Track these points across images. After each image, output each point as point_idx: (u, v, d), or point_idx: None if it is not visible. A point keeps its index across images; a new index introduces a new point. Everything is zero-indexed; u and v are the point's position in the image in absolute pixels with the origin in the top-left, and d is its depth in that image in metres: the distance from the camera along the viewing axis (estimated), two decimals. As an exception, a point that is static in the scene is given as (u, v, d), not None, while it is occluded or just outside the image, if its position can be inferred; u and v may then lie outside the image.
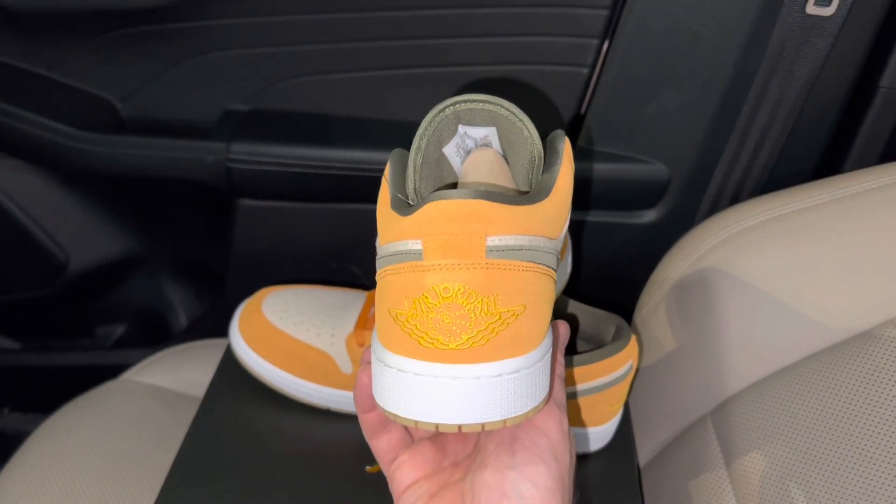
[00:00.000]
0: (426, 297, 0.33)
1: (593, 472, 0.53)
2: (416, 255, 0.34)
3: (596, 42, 0.70)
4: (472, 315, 0.33)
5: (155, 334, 1.02)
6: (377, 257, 0.36)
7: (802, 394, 0.52)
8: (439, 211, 0.33)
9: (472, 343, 0.33)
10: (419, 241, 0.34)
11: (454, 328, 0.33)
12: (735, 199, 0.72)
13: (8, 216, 0.89)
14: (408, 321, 0.34)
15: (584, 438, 0.55)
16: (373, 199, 0.78)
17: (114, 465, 0.63)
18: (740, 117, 0.67)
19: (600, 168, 0.74)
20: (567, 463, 0.38)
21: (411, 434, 0.43)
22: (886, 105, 0.65)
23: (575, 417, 0.54)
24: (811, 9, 0.60)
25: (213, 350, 0.76)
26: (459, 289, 0.33)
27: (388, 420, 0.41)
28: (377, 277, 0.36)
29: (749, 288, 0.59)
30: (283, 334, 0.55)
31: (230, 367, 0.57)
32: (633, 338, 0.52)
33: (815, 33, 0.62)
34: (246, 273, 0.85)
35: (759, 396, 0.55)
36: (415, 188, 0.36)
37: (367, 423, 0.41)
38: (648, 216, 0.76)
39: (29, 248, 0.92)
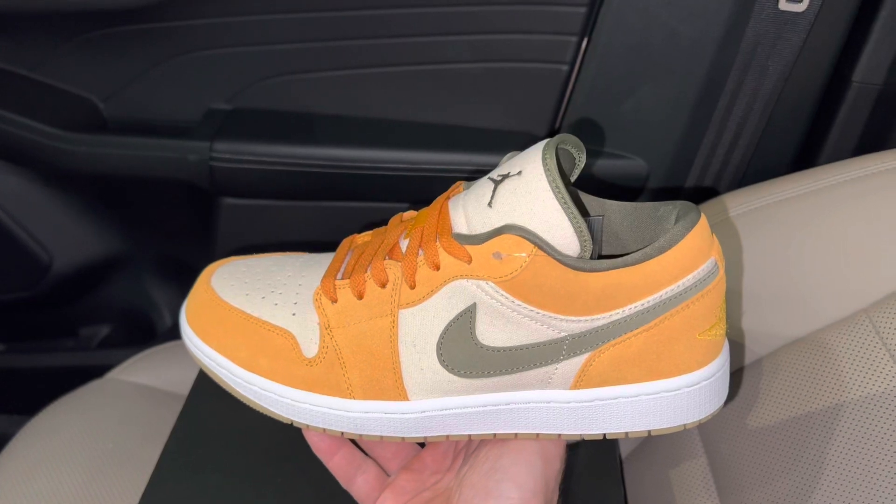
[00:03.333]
0: (723, 301, 0.37)
1: (576, 462, 0.54)
2: (715, 271, 0.36)
3: (575, 39, 0.71)
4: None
5: (140, 334, 1.02)
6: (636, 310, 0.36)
7: (780, 382, 0.53)
8: (704, 229, 0.36)
9: None
10: (712, 259, 0.36)
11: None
12: (713, 193, 0.73)
13: (-9, 218, 0.89)
14: (716, 326, 0.37)
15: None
16: (355, 196, 0.79)
17: (99, 463, 0.63)
18: (716, 111, 0.68)
19: (580, 163, 0.74)
20: (555, 468, 0.39)
21: (386, 470, 0.44)
22: (859, 99, 0.67)
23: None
24: (784, 5, 0.61)
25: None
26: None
27: (357, 460, 0.43)
28: (658, 323, 0.36)
29: (727, 278, 0.60)
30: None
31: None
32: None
33: (788, 29, 0.63)
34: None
35: (739, 387, 0.56)
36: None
37: (336, 468, 0.42)
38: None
39: (11, 250, 0.91)
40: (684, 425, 0.38)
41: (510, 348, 0.37)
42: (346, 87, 0.76)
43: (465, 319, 0.36)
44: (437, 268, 0.36)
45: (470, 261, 0.35)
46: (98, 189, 0.88)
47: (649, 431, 0.38)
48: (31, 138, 0.78)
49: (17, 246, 0.91)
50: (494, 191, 0.35)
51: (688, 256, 0.35)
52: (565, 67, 0.72)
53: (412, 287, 0.37)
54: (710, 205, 0.65)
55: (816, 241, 0.56)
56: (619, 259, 0.35)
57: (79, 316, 1.01)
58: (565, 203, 0.34)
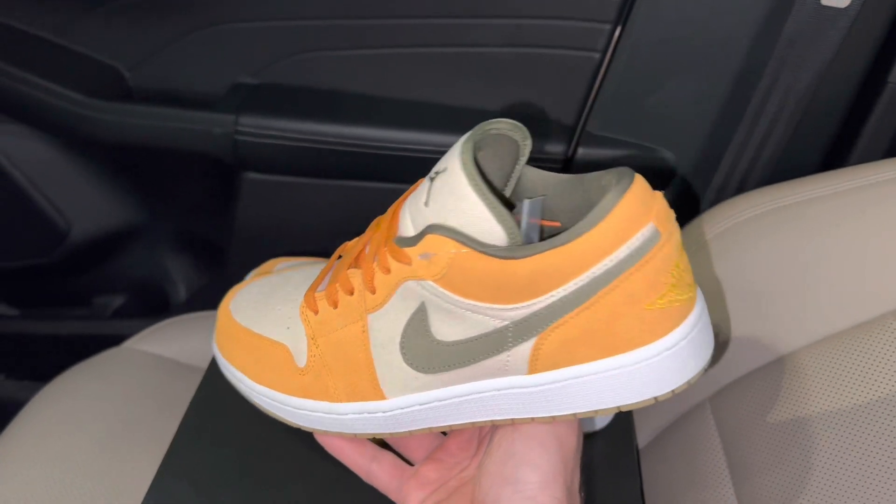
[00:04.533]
0: (678, 265, 0.35)
1: (593, 453, 0.53)
2: (654, 237, 0.34)
3: (608, 27, 0.70)
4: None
5: (153, 306, 1.02)
6: (562, 294, 0.35)
7: (801, 382, 0.52)
8: (637, 195, 0.34)
9: None
10: (650, 225, 0.34)
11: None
12: (740, 189, 0.73)
13: (10, 182, 0.88)
14: (668, 294, 0.35)
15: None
16: (379, 176, 0.79)
17: (114, 430, 0.63)
18: (749, 107, 0.67)
19: (606, 154, 0.74)
20: (572, 447, 0.38)
21: (407, 459, 0.44)
22: (894, 100, 0.66)
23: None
24: (827, 0, 0.61)
25: (212, 321, 0.76)
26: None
27: (370, 452, 0.44)
28: (593, 301, 0.35)
29: (752, 276, 0.59)
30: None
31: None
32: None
33: (829, 25, 0.62)
34: (248, 247, 0.85)
35: (759, 384, 0.55)
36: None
37: (353, 465, 0.44)
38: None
39: (30, 216, 0.91)
40: (655, 398, 0.37)
41: (461, 341, 0.38)
42: (374, 66, 0.76)
43: (420, 318, 0.38)
44: (388, 271, 0.38)
45: (409, 263, 0.37)
46: (120, 158, 0.88)
47: (619, 407, 0.37)
48: (55, 104, 0.78)
49: (35, 212, 0.91)
50: (430, 189, 0.36)
51: (618, 227, 0.33)
52: (597, 56, 0.71)
53: (373, 292, 0.39)
54: (738, 201, 0.64)
55: (845, 242, 0.55)
56: (546, 241, 0.34)
57: (94, 285, 1.01)
58: (483, 194, 0.34)
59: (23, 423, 0.64)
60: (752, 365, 0.57)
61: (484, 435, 0.43)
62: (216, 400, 0.51)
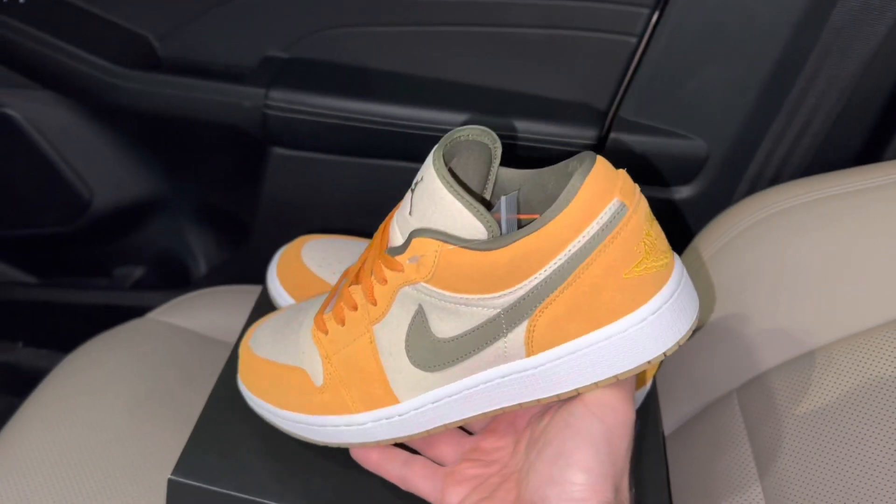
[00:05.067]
0: (650, 234, 0.38)
1: None
2: (621, 210, 0.36)
3: (646, 11, 0.69)
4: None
5: (173, 279, 1.02)
6: (545, 275, 0.37)
7: (830, 377, 0.52)
8: (600, 174, 0.36)
9: None
10: (615, 199, 0.36)
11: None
12: (775, 181, 0.72)
13: (35, 149, 0.88)
14: (643, 261, 0.37)
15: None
16: (407, 156, 0.79)
17: (138, 400, 0.63)
18: (789, 97, 0.66)
19: (638, 140, 0.73)
20: (623, 447, 0.38)
21: (439, 460, 0.45)
22: (936, 94, 0.65)
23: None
24: (876, -11, 0.60)
25: (238, 296, 0.76)
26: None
27: (401, 459, 0.45)
28: (581, 270, 0.37)
29: (784, 268, 0.59)
30: (322, 282, 0.55)
31: (265, 310, 0.57)
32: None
33: (876, 15, 0.61)
34: (272, 223, 0.85)
35: (787, 376, 0.55)
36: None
37: (388, 475, 0.45)
38: (683, 192, 0.76)
39: (53, 183, 0.91)
40: (648, 362, 0.38)
41: (460, 335, 0.40)
42: (405, 43, 0.75)
43: (420, 320, 0.40)
44: (385, 282, 0.40)
45: (402, 269, 0.39)
46: (146, 128, 0.88)
47: (616, 376, 0.39)
48: (84, 71, 0.78)
49: (59, 180, 0.91)
50: (411, 200, 0.39)
51: (586, 206, 0.36)
52: (633, 40, 0.70)
53: (374, 304, 0.41)
54: (773, 192, 0.63)
55: (881, 238, 0.55)
56: (522, 229, 0.37)
57: (114, 255, 1.01)
58: (458, 195, 0.36)
59: (49, 388, 0.65)
60: (782, 357, 0.57)
61: (522, 430, 0.44)
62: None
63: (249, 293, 0.75)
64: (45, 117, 0.87)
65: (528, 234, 0.36)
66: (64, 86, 0.83)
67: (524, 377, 0.40)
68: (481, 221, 0.37)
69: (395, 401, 0.43)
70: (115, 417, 0.62)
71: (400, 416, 0.43)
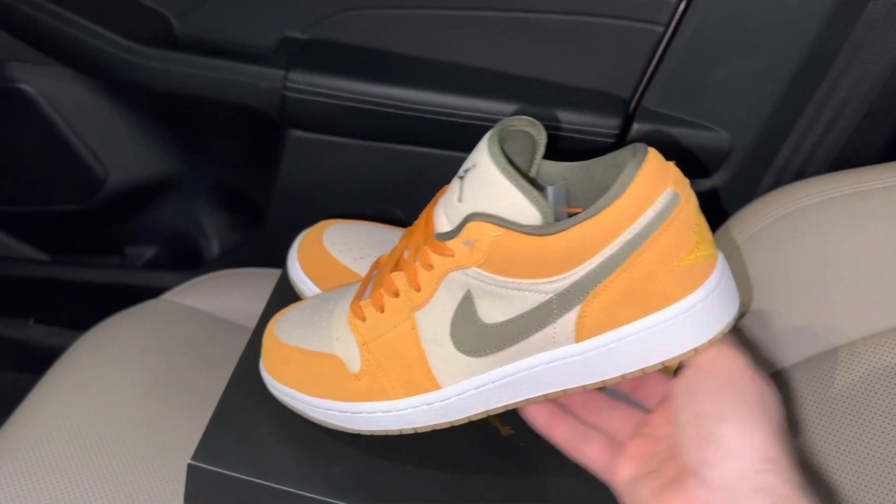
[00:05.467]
0: (699, 223, 0.39)
1: None
2: (675, 200, 0.37)
3: (674, 0, 0.68)
4: None
5: (185, 260, 1.01)
6: (597, 262, 0.38)
7: (854, 374, 0.52)
8: (654, 164, 0.37)
9: None
10: (669, 189, 0.37)
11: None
12: (800, 175, 0.71)
13: (50, 126, 0.88)
14: (694, 250, 0.39)
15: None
16: (427, 141, 0.78)
17: (153, 382, 0.63)
18: (818, 90, 0.65)
19: (658, 130, 0.73)
20: (757, 393, 0.38)
21: (614, 436, 0.44)
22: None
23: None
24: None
25: (256, 278, 0.76)
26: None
27: (581, 431, 0.44)
28: (633, 258, 0.38)
29: (809, 264, 0.59)
30: (343, 267, 0.54)
31: (285, 294, 0.56)
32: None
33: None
34: (288, 206, 0.85)
35: (812, 372, 0.55)
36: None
37: (561, 441, 0.44)
38: (704, 184, 0.75)
39: (68, 161, 0.91)
40: (695, 349, 0.39)
41: (509, 320, 0.40)
42: (427, 27, 0.74)
43: (467, 305, 0.41)
44: (431, 267, 0.40)
45: (452, 254, 0.39)
46: (162, 107, 0.87)
47: (663, 363, 0.40)
48: (101, 47, 0.77)
49: (74, 157, 0.90)
50: (461, 187, 0.39)
51: (642, 194, 0.37)
52: (660, 28, 0.69)
53: (418, 290, 0.41)
54: (800, 186, 0.63)
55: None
56: (578, 216, 0.37)
57: (127, 235, 1.01)
58: (515, 180, 0.37)
59: (65, 368, 0.64)
60: (806, 353, 0.56)
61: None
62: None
63: (266, 276, 0.75)
64: (61, 94, 0.86)
65: (584, 221, 0.37)
66: (81, 62, 0.82)
67: (571, 363, 0.41)
68: (537, 207, 0.37)
69: (437, 386, 0.43)
70: (131, 399, 0.61)
71: (441, 401, 0.43)
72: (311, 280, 0.55)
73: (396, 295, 0.43)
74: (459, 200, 0.39)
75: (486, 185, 0.38)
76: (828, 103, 0.66)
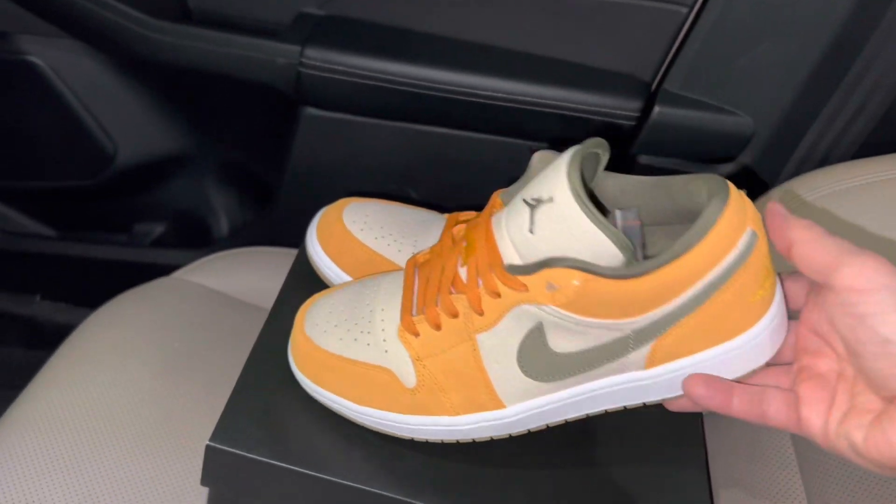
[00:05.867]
0: (767, 259, 0.39)
1: (657, 416, 0.52)
2: (753, 239, 0.37)
3: (700, -19, 0.67)
4: None
5: (194, 238, 1.00)
6: (685, 298, 0.38)
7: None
8: (736, 203, 0.36)
9: None
10: (749, 230, 0.37)
11: None
12: (823, 162, 0.70)
13: (59, 100, 0.86)
14: (765, 282, 0.39)
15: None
16: (445, 121, 0.77)
17: (167, 361, 0.62)
18: (847, 76, 0.64)
19: (680, 113, 0.71)
20: None
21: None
22: None
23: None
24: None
25: (270, 257, 0.75)
26: None
27: (757, 395, 0.41)
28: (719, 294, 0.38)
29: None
30: (364, 246, 0.53)
31: (302, 274, 0.55)
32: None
33: (946, -4, 0.59)
34: (300, 185, 0.83)
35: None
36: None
37: (740, 412, 0.41)
38: (725, 170, 0.74)
39: (77, 136, 0.89)
40: (753, 370, 0.41)
41: (582, 352, 0.40)
42: (448, 5, 0.72)
43: (537, 335, 0.40)
44: (498, 295, 0.40)
45: (526, 290, 0.39)
46: (174, 83, 0.86)
47: None
48: (113, 20, 0.76)
49: (83, 132, 0.89)
50: (532, 217, 0.38)
51: (725, 237, 0.37)
52: (684, 10, 0.68)
53: (480, 314, 0.41)
54: (824, 173, 0.62)
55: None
56: (663, 256, 0.37)
57: (135, 212, 1.00)
58: (600, 223, 0.36)
59: (76, 345, 0.63)
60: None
61: (827, 334, 0.40)
62: (282, 339, 0.50)
63: (280, 255, 0.74)
64: (71, 67, 0.85)
65: (667, 264, 0.37)
66: (92, 35, 0.80)
67: (638, 386, 0.42)
68: (620, 249, 0.37)
69: (501, 405, 0.43)
70: (146, 377, 0.61)
71: (504, 419, 0.44)
72: (331, 259, 0.54)
73: (455, 316, 0.42)
74: (531, 231, 0.38)
75: (565, 224, 0.37)
76: (856, 90, 0.65)
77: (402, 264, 0.53)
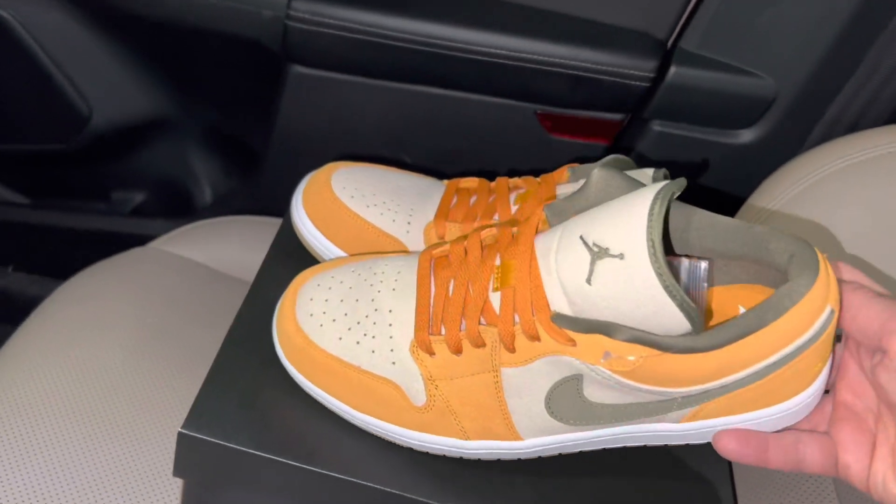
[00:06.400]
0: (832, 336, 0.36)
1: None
2: (830, 318, 0.35)
3: (721, -70, 0.62)
4: None
5: (176, 206, 0.96)
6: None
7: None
8: (823, 282, 0.34)
9: None
10: (828, 307, 0.34)
11: None
12: (853, 128, 0.66)
13: (31, 58, 0.81)
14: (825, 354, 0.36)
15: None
16: (442, 81, 0.72)
17: (140, 339, 0.58)
18: (881, 36, 0.60)
19: (698, 75, 0.67)
20: None
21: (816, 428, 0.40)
22: None
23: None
24: None
25: (251, 227, 0.70)
26: None
27: (790, 443, 0.39)
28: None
29: (864, 225, 0.54)
30: (354, 215, 0.49)
31: (287, 245, 0.51)
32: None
33: None
34: (287, 149, 0.79)
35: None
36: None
37: (777, 464, 0.39)
38: (745, 136, 0.70)
39: (49, 97, 0.84)
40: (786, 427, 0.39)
41: (620, 406, 0.38)
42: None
43: (572, 383, 0.37)
44: (538, 339, 0.37)
45: (574, 345, 0.36)
46: (152, 39, 0.81)
47: None
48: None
49: (55, 93, 0.84)
50: (592, 267, 0.35)
51: (805, 316, 0.34)
52: (704, -39, 0.64)
53: (511, 351, 0.38)
54: (855, 139, 0.58)
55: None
56: (732, 328, 0.34)
57: (113, 178, 0.96)
58: (674, 294, 0.33)
59: (44, 319, 0.59)
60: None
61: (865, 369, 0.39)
62: (263, 316, 0.45)
63: (264, 225, 0.70)
64: (42, 21, 0.79)
65: (736, 341, 0.34)
66: (62, -14, 0.75)
67: (668, 435, 0.40)
68: (688, 319, 0.33)
69: (517, 438, 0.40)
70: (119, 355, 0.56)
71: (518, 450, 0.41)
72: (319, 229, 0.49)
73: (482, 346, 0.38)
74: (588, 282, 0.34)
75: (632, 285, 0.33)
76: (891, 50, 0.60)
77: (397, 235, 0.48)
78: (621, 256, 0.34)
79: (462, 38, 0.67)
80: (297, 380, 0.43)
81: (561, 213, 0.40)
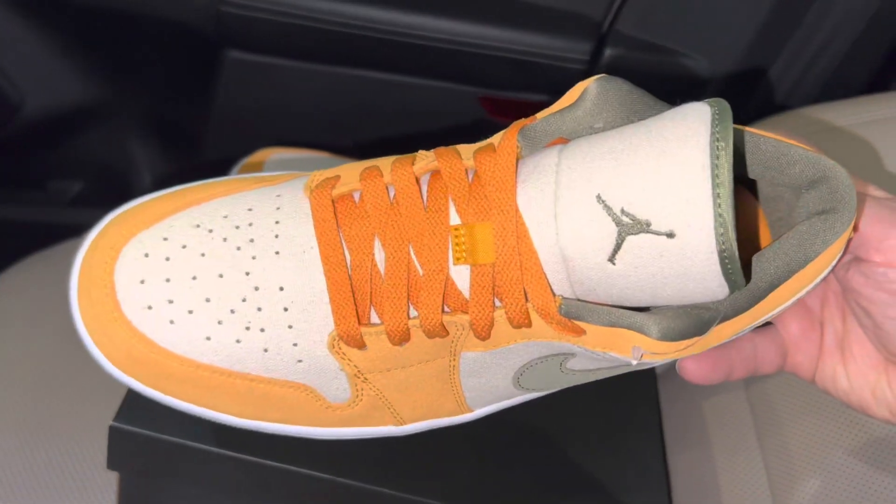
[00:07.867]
0: None
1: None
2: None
3: None
4: None
5: (115, 194, 0.94)
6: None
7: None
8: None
9: None
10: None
11: None
12: (783, 107, 0.68)
13: (-46, 43, 0.78)
14: None
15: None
16: (384, 66, 0.72)
17: (73, 332, 0.57)
18: (808, 15, 0.61)
19: (633, 56, 0.68)
20: None
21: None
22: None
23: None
24: None
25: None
26: None
27: (745, 349, 0.36)
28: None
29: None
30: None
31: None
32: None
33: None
34: (226, 134, 0.79)
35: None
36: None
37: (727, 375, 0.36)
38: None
39: (-24, 84, 0.82)
40: None
41: (594, 370, 0.32)
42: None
43: (556, 359, 0.31)
44: (527, 326, 0.29)
45: (582, 334, 0.28)
46: (85, 24, 0.79)
47: None
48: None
49: (-18, 80, 0.81)
50: (619, 243, 0.26)
51: (840, 245, 0.30)
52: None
53: (484, 339, 0.30)
54: (784, 119, 0.59)
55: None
56: (774, 272, 0.28)
57: (48, 168, 0.93)
58: (738, 282, 0.26)
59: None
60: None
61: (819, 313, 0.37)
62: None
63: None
64: (-36, 5, 0.77)
65: (781, 283, 0.29)
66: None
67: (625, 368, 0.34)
68: (733, 290, 0.26)
69: (467, 411, 0.35)
70: (52, 350, 0.55)
71: (461, 420, 0.36)
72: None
73: (442, 336, 0.30)
74: (612, 261, 0.26)
75: (682, 273, 0.26)
76: (819, 30, 0.62)
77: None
78: (670, 235, 0.25)
79: (401, 22, 0.67)
80: (151, 397, 0.33)
81: (541, 139, 0.29)
